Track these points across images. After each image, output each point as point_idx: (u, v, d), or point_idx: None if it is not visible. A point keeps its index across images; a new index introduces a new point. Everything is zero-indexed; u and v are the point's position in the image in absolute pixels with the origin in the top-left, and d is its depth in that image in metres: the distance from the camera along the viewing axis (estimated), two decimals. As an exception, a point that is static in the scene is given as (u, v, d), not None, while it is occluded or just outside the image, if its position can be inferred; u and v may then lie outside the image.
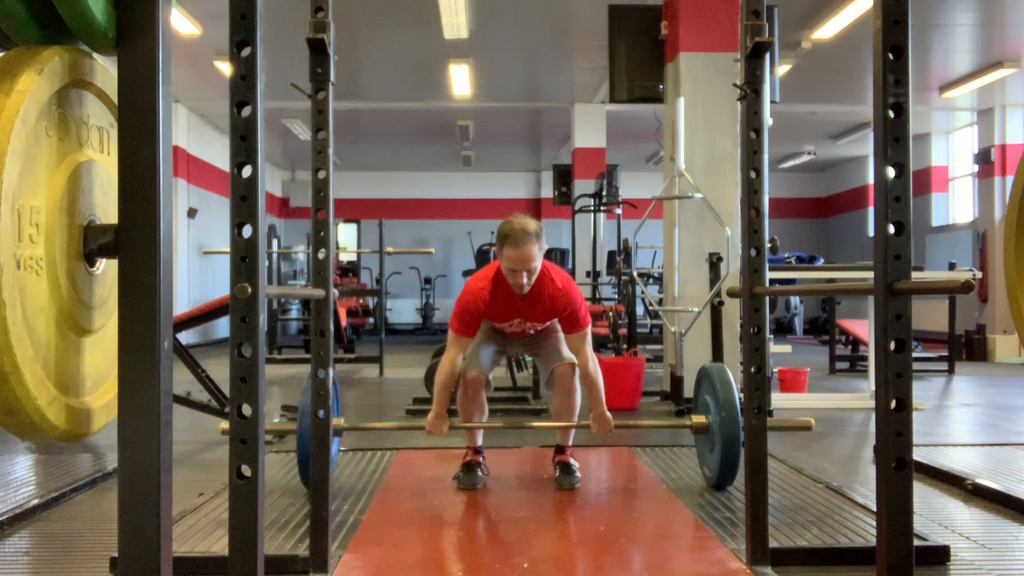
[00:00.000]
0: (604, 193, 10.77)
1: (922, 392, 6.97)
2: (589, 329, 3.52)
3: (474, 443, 3.67)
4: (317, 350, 2.49)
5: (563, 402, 3.62)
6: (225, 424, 1.52)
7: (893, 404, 1.65)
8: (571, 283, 3.51)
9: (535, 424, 4.01)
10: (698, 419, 3.05)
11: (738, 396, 2.89)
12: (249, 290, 1.56)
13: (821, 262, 7.94)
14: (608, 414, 3.53)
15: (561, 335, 3.64)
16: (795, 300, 15.67)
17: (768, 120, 2.88)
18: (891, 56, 1.66)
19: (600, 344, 9.81)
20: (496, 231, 3.42)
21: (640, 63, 6.67)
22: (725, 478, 3.38)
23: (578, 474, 3.58)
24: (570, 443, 3.70)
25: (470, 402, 3.60)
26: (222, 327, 11.82)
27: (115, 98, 1.41)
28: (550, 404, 3.73)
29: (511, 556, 2.66)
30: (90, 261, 1.54)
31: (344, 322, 10.57)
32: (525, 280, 3.35)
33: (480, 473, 3.58)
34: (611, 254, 12.72)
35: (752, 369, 2.45)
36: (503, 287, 3.44)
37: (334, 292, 2.60)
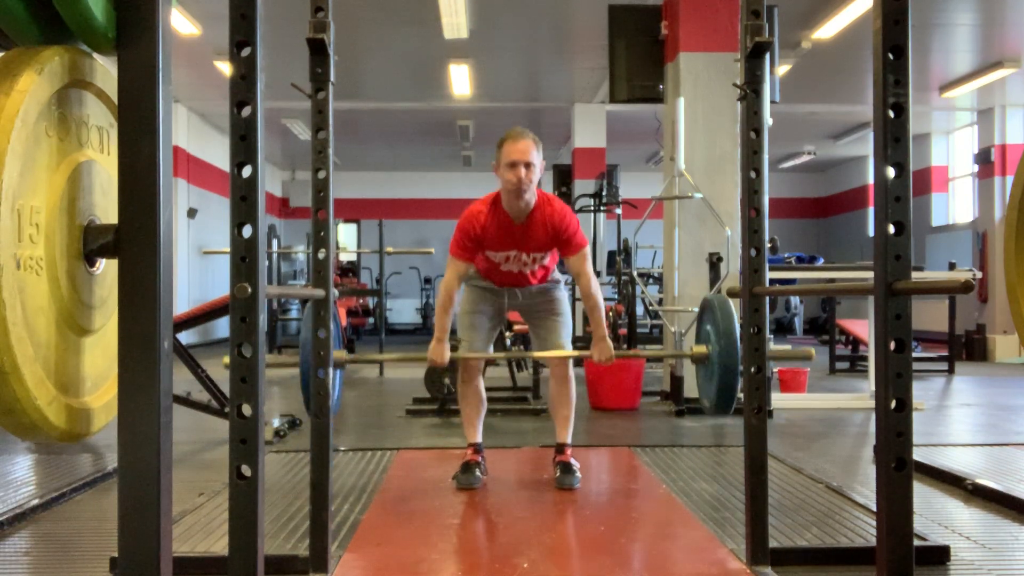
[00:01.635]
0: (604, 193, 10.77)
1: (922, 392, 6.97)
2: (588, 249, 3.56)
3: (473, 438, 3.67)
4: (317, 350, 2.49)
5: (559, 391, 3.65)
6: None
7: (893, 404, 1.65)
8: (568, 208, 3.57)
9: (536, 354, 3.82)
10: (698, 349, 3.06)
11: (738, 325, 2.91)
12: (249, 290, 1.56)
13: (821, 262, 7.94)
14: (609, 342, 3.50)
15: (562, 313, 3.67)
16: (795, 300, 15.68)
17: (768, 120, 2.88)
18: (891, 56, 1.66)
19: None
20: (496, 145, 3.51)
21: (640, 63, 6.67)
22: (722, 405, 3.28)
23: (578, 474, 3.58)
24: (569, 440, 3.69)
25: (467, 386, 3.67)
26: (222, 327, 11.81)
27: (115, 98, 1.41)
28: (548, 395, 3.77)
29: (511, 556, 2.66)
30: (90, 261, 1.53)
31: (344, 322, 10.57)
32: (523, 174, 3.35)
33: (479, 473, 3.58)
34: (611, 254, 12.71)
35: (752, 369, 2.45)
36: (500, 212, 3.48)
37: (334, 292, 2.60)
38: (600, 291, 3.58)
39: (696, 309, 5.91)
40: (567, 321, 3.71)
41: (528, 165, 3.36)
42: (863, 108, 12.04)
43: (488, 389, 3.85)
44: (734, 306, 3.00)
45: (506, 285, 3.69)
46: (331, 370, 2.51)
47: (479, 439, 3.70)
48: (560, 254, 3.60)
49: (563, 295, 3.76)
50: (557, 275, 3.77)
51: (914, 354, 3.02)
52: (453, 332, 3.64)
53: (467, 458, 3.63)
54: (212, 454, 4.43)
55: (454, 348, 3.58)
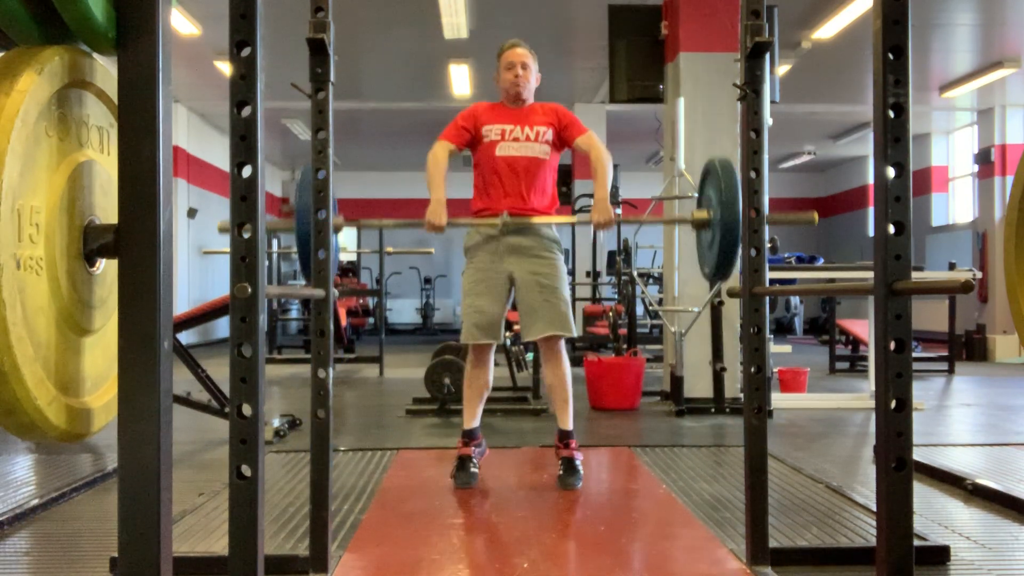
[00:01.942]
0: (604, 193, 10.75)
1: (922, 392, 6.97)
2: (591, 132, 3.68)
3: (471, 422, 3.65)
4: (317, 350, 2.49)
5: (554, 374, 3.62)
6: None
7: (893, 404, 1.65)
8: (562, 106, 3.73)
9: (536, 219, 3.61)
10: (699, 214, 3.03)
11: (740, 191, 2.88)
12: (249, 290, 1.56)
13: (821, 262, 7.94)
14: (609, 205, 3.48)
15: (560, 279, 3.59)
16: (795, 300, 15.68)
17: (768, 120, 2.88)
18: (891, 56, 1.66)
19: (600, 344, 9.82)
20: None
21: (640, 63, 6.67)
22: (721, 271, 3.23)
23: (581, 472, 3.57)
24: (571, 426, 3.63)
25: (477, 370, 3.63)
26: (222, 327, 11.82)
27: (115, 98, 1.41)
28: (544, 382, 3.73)
29: (511, 556, 2.66)
30: (90, 261, 1.54)
31: (344, 322, 10.57)
32: (520, 72, 3.58)
33: (472, 468, 3.56)
34: (611, 254, 12.72)
35: (752, 369, 2.45)
36: (500, 104, 3.68)
37: (334, 292, 2.60)
38: (609, 158, 3.56)
39: (697, 309, 5.94)
40: (563, 294, 3.58)
41: (524, 66, 3.61)
42: (863, 108, 12.04)
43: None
44: (737, 171, 2.96)
45: (509, 203, 3.55)
46: (330, 372, 2.51)
47: (476, 424, 3.67)
48: (566, 140, 3.62)
49: (562, 265, 3.65)
50: (555, 233, 3.68)
51: (914, 354, 3.01)
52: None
53: (460, 452, 3.61)
54: (212, 454, 4.43)
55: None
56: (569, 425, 3.64)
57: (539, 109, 3.66)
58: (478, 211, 3.66)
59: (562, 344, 3.62)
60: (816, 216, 3.05)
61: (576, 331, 3.71)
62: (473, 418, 3.68)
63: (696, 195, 5.49)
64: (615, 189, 10.75)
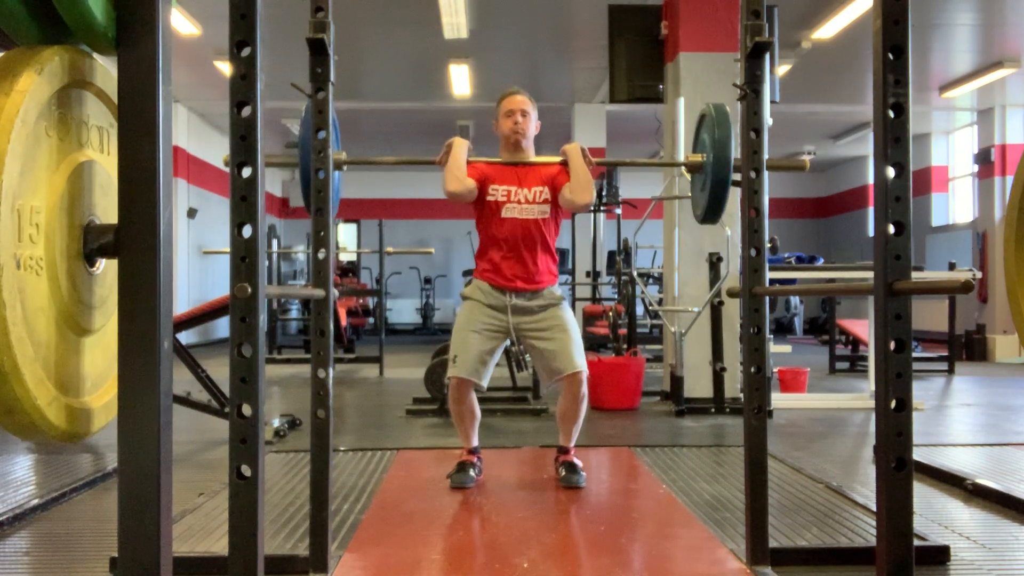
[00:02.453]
0: (604, 193, 10.77)
1: (922, 392, 6.97)
2: None
3: (469, 444, 3.66)
4: (317, 350, 2.49)
5: (571, 408, 3.56)
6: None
7: (893, 404, 1.65)
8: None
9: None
10: (694, 158, 3.06)
11: (734, 136, 2.90)
12: (249, 290, 1.56)
13: (821, 262, 7.94)
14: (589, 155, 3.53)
15: (571, 331, 3.56)
16: (795, 300, 15.68)
17: (768, 120, 2.88)
18: (891, 56, 1.66)
19: (600, 344, 9.83)
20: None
21: (640, 63, 6.67)
22: (711, 213, 3.23)
23: (583, 473, 3.57)
24: (572, 444, 3.68)
25: (459, 406, 3.57)
26: (222, 327, 11.82)
27: (115, 98, 1.41)
28: (557, 406, 3.67)
29: (511, 556, 2.66)
30: (90, 261, 1.54)
31: (344, 322, 10.57)
32: (520, 119, 3.53)
33: (472, 473, 3.57)
34: (611, 254, 12.73)
35: (752, 369, 2.45)
36: (499, 163, 3.59)
37: (334, 292, 2.60)
38: (592, 188, 3.52)
39: (697, 309, 5.94)
40: (576, 336, 3.57)
41: (524, 113, 3.55)
42: (863, 108, 12.04)
43: (488, 389, 3.83)
44: (732, 116, 2.98)
45: (512, 277, 3.54)
46: (331, 368, 2.51)
47: (475, 443, 3.68)
48: (560, 184, 3.53)
49: (568, 313, 3.63)
50: (559, 291, 3.65)
51: (914, 354, 3.01)
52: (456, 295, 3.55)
53: (463, 458, 3.63)
54: (212, 454, 4.43)
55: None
56: (571, 445, 3.67)
57: (536, 166, 3.58)
58: (482, 276, 3.62)
59: (584, 379, 3.53)
60: (807, 163, 3.09)
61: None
62: (472, 440, 3.66)
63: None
64: (615, 190, 10.77)
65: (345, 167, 2.90)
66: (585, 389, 3.55)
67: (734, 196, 2.84)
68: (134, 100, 1.36)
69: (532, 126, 3.57)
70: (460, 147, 3.52)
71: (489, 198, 3.55)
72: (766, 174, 2.50)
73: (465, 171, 3.50)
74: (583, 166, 3.50)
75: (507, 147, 3.58)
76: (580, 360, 3.53)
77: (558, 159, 3.55)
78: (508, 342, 3.67)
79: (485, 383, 3.58)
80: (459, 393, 3.54)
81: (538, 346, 3.57)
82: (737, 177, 2.66)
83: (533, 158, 3.60)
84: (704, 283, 6.09)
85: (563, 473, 3.58)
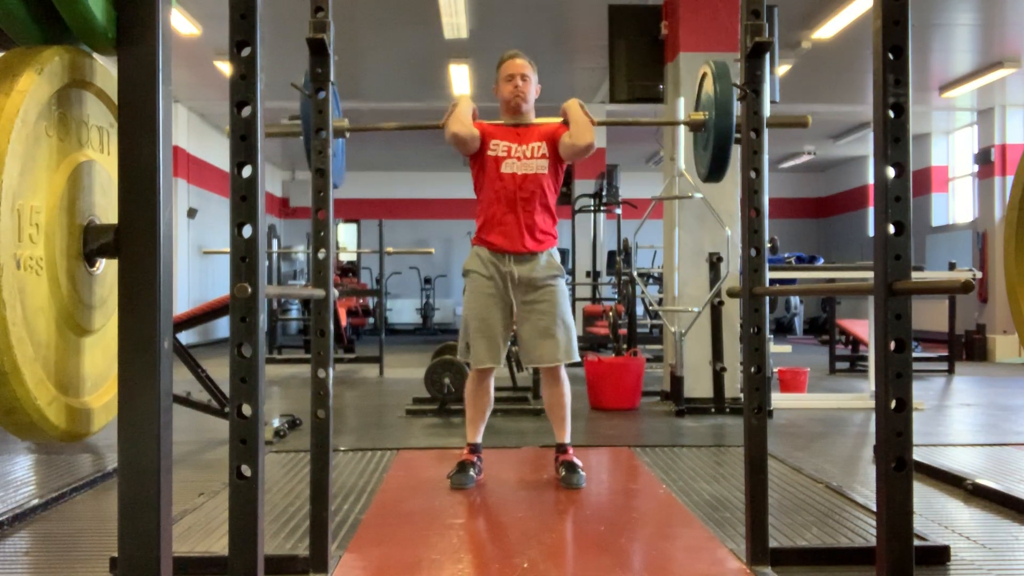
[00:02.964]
0: (604, 193, 10.78)
1: (922, 392, 6.97)
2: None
3: (474, 438, 3.67)
4: (317, 350, 2.49)
5: (553, 394, 3.64)
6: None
7: (893, 404, 1.65)
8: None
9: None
10: (696, 116, 3.06)
11: (736, 95, 2.91)
12: (249, 290, 1.56)
13: (821, 262, 7.94)
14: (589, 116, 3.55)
15: (561, 306, 3.59)
16: (795, 300, 15.68)
17: (768, 120, 2.87)
18: (891, 56, 1.66)
19: (600, 344, 9.83)
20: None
21: (640, 63, 6.67)
22: (715, 172, 3.23)
23: (583, 473, 3.58)
24: (568, 439, 3.68)
25: (480, 389, 3.63)
26: (222, 327, 11.82)
27: (115, 98, 1.41)
28: (543, 398, 3.74)
29: (511, 556, 2.66)
30: (90, 261, 1.54)
31: (344, 322, 10.57)
32: (520, 83, 3.56)
33: (472, 473, 3.57)
34: (611, 254, 12.73)
35: (752, 369, 2.45)
36: (500, 124, 3.64)
37: (334, 292, 2.60)
38: (592, 129, 3.55)
39: (697, 309, 5.94)
40: (565, 323, 3.59)
41: (524, 77, 3.58)
42: (863, 108, 12.04)
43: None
44: (731, 71, 2.99)
45: (512, 239, 3.56)
46: (331, 369, 2.52)
47: (479, 439, 3.69)
48: (559, 135, 3.59)
49: (564, 296, 3.66)
50: (558, 258, 3.66)
51: (914, 354, 3.01)
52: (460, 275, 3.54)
53: (463, 458, 3.63)
54: (212, 454, 4.43)
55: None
56: (567, 439, 3.69)
57: (535, 127, 3.65)
58: (481, 242, 3.66)
59: (562, 369, 3.62)
60: (809, 119, 3.09)
61: (576, 344, 3.69)
62: (477, 434, 3.69)
63: (697, 194, 5.47)
64: (615, 190, 10.77)
65: (348, 134, 3.00)
66: (563, 374, 3.63)
67: (734, 196, 2.86)
68: (134, 100, 1.36)
69: (532, 89, 3.61)
70: (465, 101, 3.65)
71: (490, 153, 3.62)
72: (766, 174, 2.50)
73: (470, 120, 3.61)
74: (583, 115, 3.55)
75: (507, 111, 3.64)
76: (560, 354, 3.57)
77: (558, 119, 3.62)
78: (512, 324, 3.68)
79: (503, 358, 3.66)
80: (477, 382, 3.63)
81: (528, 327, 3.61)
82: (739, 135, 2.66)
83: (534, 120, 3.65)
84: (704, 283, 6.09)
85: (563, 473, 3.58)
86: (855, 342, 9.08)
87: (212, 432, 4.88)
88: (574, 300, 11.22)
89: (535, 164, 3.60)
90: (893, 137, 1.67)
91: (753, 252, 2.48)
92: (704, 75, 3.12)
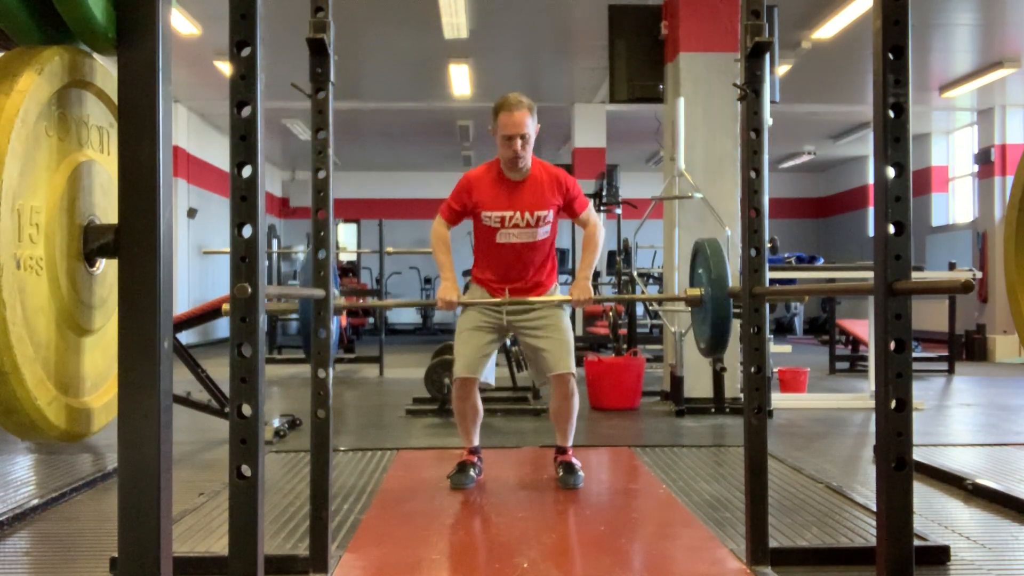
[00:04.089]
0: (604, 193, 10.77)
1: (922, 392, 6.97)
2: (591, 204, 3.66)
3: (470, 443, 3.67)
4: (317, 350, 2.49)
5: (561, 406, 3.60)
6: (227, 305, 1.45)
7: (893, 404, 1.65)
8: (564, 171, 3.64)
9: (532, 298, 3.61)
10: (692, 292, 3.08)
11: (729, 271, 2.95)
12: (249, 290, 1.56)
13: (821, 262, 7.94)
14: (590, 284, 3.54)
15: (564, 330, 3.57)
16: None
17: (768, 120, 2.88)
18: (891, 56, 1.66)
19: (600, 344, 9.82)
20: (491, 109, 3.54)
21: (640, 63, 6.67)
22: (716, 346, 3.28)
23: (581, 473, 3.58)
24: (570, 443, 3.69)
25: (463, 403, 3.60)
26: (222, 327, 11.81)
27: (115, 98, 1.41)
28: (549, 405, 3.72)
29: (511, 556, 2.66)
30: (90, 261, 1.53)
31: (344, 322, 10.56)
32: (519, 148, 3.42)
33: (472, 473, 3.57)
34: (611, 254, 12.72)
35: (752, 369, 2.45)
36: (499, 172, 3.54)
37: (334, 292, 2.60)
38: (601, 235, 3.62)
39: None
40: (568, 339, 3.57)
41: (524, 137, 3.44)
42: (863, 108, 12.04)
43: (487, 389, 3.84)
44: (725, 249, 3.01)
45: (507, 281, 3.57)
46: (330, 372, 2.51)
47: (476, 443, 3.69)
48: (570, 214, 3.60)
49: (564, 314, 3.64)
50: (557, 289, 3.68)
51: (914, 354, 3.01)
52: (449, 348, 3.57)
53: (463, 458, 3.63)
54: (212, 454, 4.43)
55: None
56: (568, 444, 3.69)
57: (540, 177, 3.52)
58: (478, 281, 3.67)
59: (572, 381, 3.58)
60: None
61: (577, 330, 3.70)
62: (473, 439, 3.68)
63: (697, 194, 5.51)
64: (615, 190, 10.76)
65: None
66: (574, 387, 3.60)
67: (734, 196, 2.86)
68: (134, 100, 1.36)
69: (532, 141, 3.47)
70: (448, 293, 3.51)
71: (483, 223, 3.56)
72: (766, 174, 2.50)
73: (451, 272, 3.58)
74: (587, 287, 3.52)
75: (505, 164, 3.52)
76: (569, 361, 3.56)
77: (558, 174, 3.55)
78: (507, 340, 3.70)
79: (490, 379, 3.64)
80: (462, 391, 3.60)
81: (530, 343, 3.61)
82: (739, 309, 2.66)
83: (529, 163, 3.52)
84: (704, 283, 6.08)
85: (561, 473, 3.59)
86: (855, 342, 9.07)
87: (212, 432, 4.88)
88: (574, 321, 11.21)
89: (537, 232, 3.54)
90: (893, 137, 1.67)
91: (753, 252, 2.48)
92: (698, 251, 3.12)
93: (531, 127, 3.45)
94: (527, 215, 3.50)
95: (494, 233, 3.53)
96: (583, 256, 3.63)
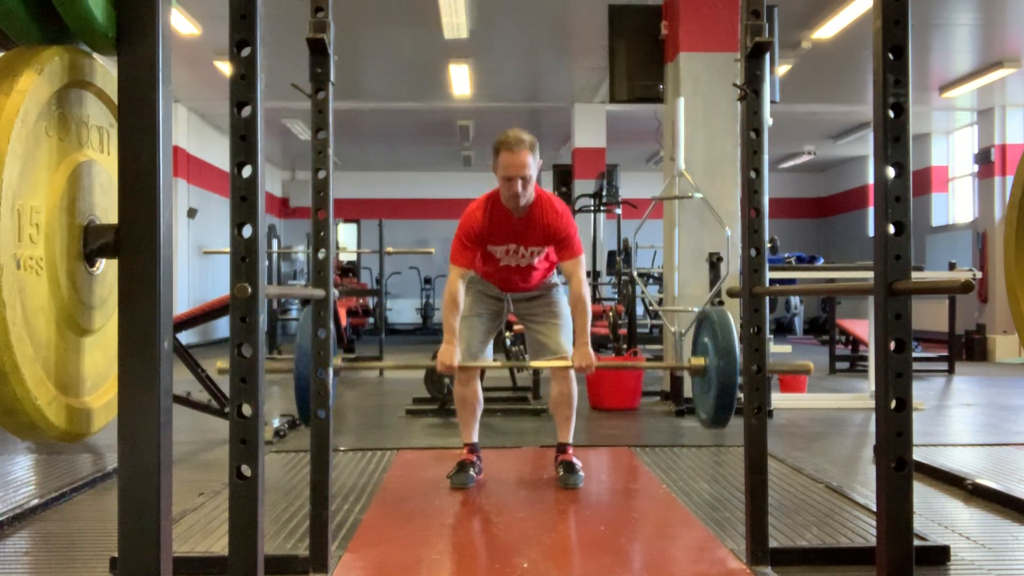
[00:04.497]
0: (604, 193, 10.77)
1: (922, 392, 6.97)
2: (583, 258, 3.56)
3: (470, 438, 3.68)
4: (317, 350, 2.49)
5: (561, 392, 3.66)
6: (223, 363, 1.47)
7: (893, 404, 1.65)
8: (567, 210, 3.59)
9: (532, 364, 3.78)
10: (696, 361, 3.06)
11: (737, 342, 2.93)
12: (249, 290, 1.56)
13: (821, 262, 7.93)
14: (591, 352, 3.47)
15: (562, 316, 3.65)
16: (795, 300, 15.67)
17: (768, 120, 2.88)
18: (891, 56, 1.66)
19: (600, 344, 9.81)
20: (492, 144, 3.48)
21: (640, 63, 6.67)
22: (720, 420, 3.30)
23: (581, 473, 3.59)
24: (571, 439, 3.70)
25: (464, 388, 3.65)
26: (222, 327, 11.81)
27: (115, 98, 1.41)
28: (549, 395, 3.76)
29: (511, 556, 2.66)
30: (90, 261, 1.53)
31: (344, 322, 10.57)
32: (520, 189, 3.38)
33: (472, 472, 3.58)
34: (611, 254, 12.72)
35: (752, 369, 2.45)
36: (499, 208, 3.50)
37: (334, 292, 2.60)
38: (590, 297, 3.57)
39: (696, 309, 5.93)
40: (567, 323, 3.67)
41: (525, 180, 3.39)
42: (863, 108, 12.04)
43: (488, 389, 3.85)
44: (733, 318, 3.01)
45: (506, 288, 3.70)
46: (330, 373, 2.51)
47: (475, 439, 3.70)
48: (556, 255, 3.61)
49: (562, 298, 3.73)
50: (555, 278, 3.77)
51: (914, 354, 3.02)
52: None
53: (462, 457, 3.64)
54: (212, 454, 4.43)
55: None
56: (569, 439, 3.72)
57: (539, 219, 3.49)
58: (482, 273, 3.73)
59: (572, 372, 3.61)
60: (811, 366, 3.10)
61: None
62: (472, 434, 3.71)
63: (697, 194, 5.50)
64: (615, 190, 10.75)
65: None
66: (572, 375, 3.63)
67: (734, 196, 2.85)
68: (134, 100, 1.36)
69: (533, 180, 3.43)
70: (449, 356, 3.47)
71: (488, 250, 3.60)
72: (766, 174, 2.50)
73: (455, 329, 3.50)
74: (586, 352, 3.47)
75: (506, 200, 3.49)
76: (567, 345, 3.61)
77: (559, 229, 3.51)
78: (506, 341, 3.74)
79: (489, 356, 3.74)
80: (463, 384, 3.65)
81: (530, 327, 3.72)
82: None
83: (531, 198, 3.47)
84: (704, 283, 6.08)
85: (561, 473, 3.60)
86: (855, 342, 9.07)
87: (212, 432, 4.88)
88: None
89: (535, 257, 3.61)
90: (893, 137, 1.67)
91: (753, 252, 2.48)
92: (702, 321, 3.11)
93: (533, 167, 3.40)
94: (528, 248, 3.56)
95: (496, 259, 3.61)
96: (575, 320, 3.54)
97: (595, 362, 3.45)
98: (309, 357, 2.52)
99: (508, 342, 6.47)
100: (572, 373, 3.64)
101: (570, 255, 3.52)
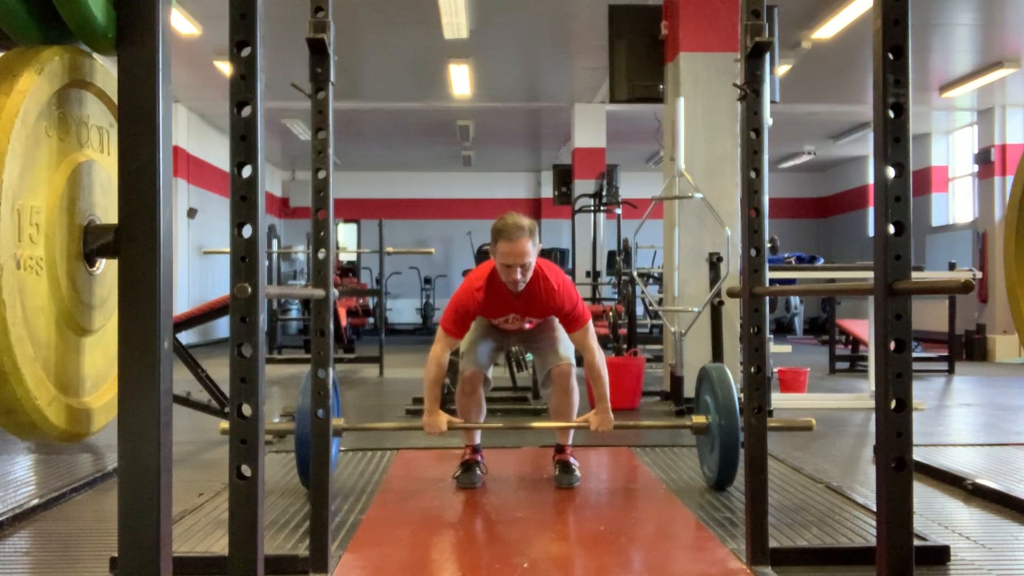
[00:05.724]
0: (604, 193, 10.77)
1: (922, 392, 6.97)
2: (591, 323, 3.52)
3: (472, 441, 3.68)
4: (317, 350, 2.49)
5: (561, 401, 3.63)
6: (225, 424, 1.51)
7: (893, 404, 1.64)
8: (566, 281, 3.51)
9: (535, 424, 3.99)
10: (699, 419, 3.07)
11: (738, 398, 2.90)
12: (249, 290, 1.56)
13: (821, 262, 7.93)
14: (611, 414, 3.47)
15: (559, 330, 3.64)
16: (795, 300, 15.67)
17: (768, 120, 2.88)
18: (891, 56, 1.66)
19: (600, 344, 9.81)
20: (491, 229, 3.41)
21: (640, 63, 6.67)
22: (724, 479, 3.39)
23: (577, 473, 3.59)
24: (570, 442, 3.71)
25: (467, 399, 3.62)
26: (222, 327, 11.81)
27: (115, 98, 1.41)
28: (548, 403, 3.75)
29: (511, 556, 2.66)
30: (90, 261, 1.54)
31: (344, 322, 10.57)
32: (519, 276, 3.34)
33: (478, 472, 3.59)
34: (611, 254, 12.72)
35: (752, 369, 2.45)
36: (498, 285, 3.44)
37: (334, 292, 2.59)
38: (604, 365, 3.51)
39: (697, 309, 5.94)
40: (563, 335, 3.62)
41: (524, 267, 3.34)
42: (863, 108, 12.04)
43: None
44: (732, 376, 3.01)
45: (506, 333, 3.73)
46: (330, 373, 2.51)
47: (477, 441, 3.71)
48: (563, 327, 3.59)
49: (554, 320, 3.68)
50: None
51: (914, 354, 3.02)
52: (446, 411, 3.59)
53: (466, 457, 3.64)
54: (212, 454, 4.43)
55: (451, 364, 3.60)
56: (568, 440, 3.72)
57: (538, 296, 3.44)
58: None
59: (573, 379, 3.61)
60: (813, 422, 3.10)
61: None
62: (474, 436, 3.71)
63: (697, 194, 5.50)
64: (615, 190, 10.76)
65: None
66: (574, 382, 3.62)
67: (734, 196, 2.85)
68: (134, 100, 1.36)
69: (532, 266, 3.36)
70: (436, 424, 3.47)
71: (490, 320, 3.63)
72: (766, 174, 2.50)
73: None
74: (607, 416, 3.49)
75: (507, 283, 3.42)
76: (568, 354, 3.61)
77: (562, 305, 3.48)
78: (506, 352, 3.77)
79: (490, 374, 3.71)
80: (468, 386, 3.62)
81: (531, 348, 3.78)
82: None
83: (530, 275, 3.40)
84: (704, 283, 6.09)
85: (557, 472, 3.61)
86: (855, 342, 9.07)
87: (212, 432, 4.87)
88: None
89: (533, 322, 3.63)
90: (893, 137, 1.67)
91: (753, 252, 2.48)
92: (703, 378, 3.10)
93: (532, 253, 3.34)
94: (527, 318, 3.57)
95: (498, 325, 3.65)
96: (594, 388, 3.53)
97: (612, 425, 3.47)
98: (310, 421, 2.48)
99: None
100: (574, 379, 3.63)
101: (578, 326, 3.49)
